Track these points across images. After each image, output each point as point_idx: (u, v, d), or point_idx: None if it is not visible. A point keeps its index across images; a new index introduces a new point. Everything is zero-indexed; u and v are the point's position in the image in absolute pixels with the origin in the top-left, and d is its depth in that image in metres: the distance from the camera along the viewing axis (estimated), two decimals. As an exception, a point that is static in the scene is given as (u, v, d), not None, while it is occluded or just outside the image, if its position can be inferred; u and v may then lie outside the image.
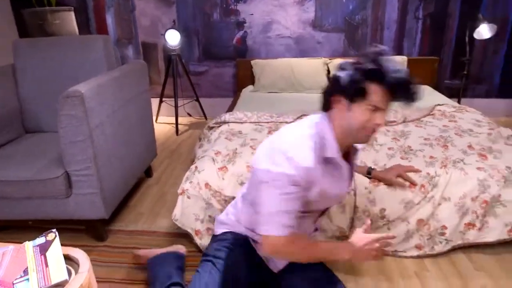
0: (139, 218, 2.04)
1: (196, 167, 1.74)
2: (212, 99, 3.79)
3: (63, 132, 1.58)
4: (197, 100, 3.65)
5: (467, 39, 3.16)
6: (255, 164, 1.10)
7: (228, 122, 2.26)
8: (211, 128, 2.33)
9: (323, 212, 1.31)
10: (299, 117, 2.29)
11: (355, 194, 1.55)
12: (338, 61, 3.28)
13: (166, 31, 3.25)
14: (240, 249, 1.25)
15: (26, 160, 1.76)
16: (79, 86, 1.56)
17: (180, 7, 3.50)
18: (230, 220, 1.32)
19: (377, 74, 0.96)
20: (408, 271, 1.58)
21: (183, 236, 1.78)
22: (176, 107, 3.41)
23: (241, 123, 2.25)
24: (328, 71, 3.30)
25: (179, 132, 3.42)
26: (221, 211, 1.63)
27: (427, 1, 3.26)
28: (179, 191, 1.68)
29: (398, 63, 0.98)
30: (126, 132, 1.96)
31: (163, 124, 3.69)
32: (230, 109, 2.91)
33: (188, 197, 1.63)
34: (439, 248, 1.58)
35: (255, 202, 1.11)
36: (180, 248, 1.59)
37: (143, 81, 2.22)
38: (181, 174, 2.54)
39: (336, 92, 1.03)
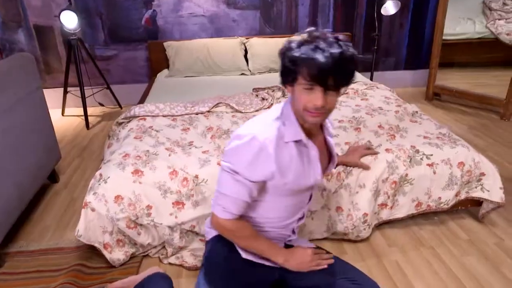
0: (44, 234, 1.81)
1: (100, 174, 1.56)
2: (125, 86, 3.49)
3: None
4: (108, 87, 3.34)
5: (375, 15, 3.27)
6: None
7: (138, 117, 2.07)
8: (120, 124, 2.12)
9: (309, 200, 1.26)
10: (216, 105, 2.18)
11: None
12: (255, 40, 3.22)
13: (60, 12, 2.85)
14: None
15: None
16: None
17: (76, -16, 3.10)
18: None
19: (302, 59, 0.94)
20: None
21: (95, 249, 1.61)
22: (83, 97, 3.08)
23: (153, 116, 2.08)
24: (246, 51, 3.20)
25: (90, 126, 3.11)
26: (131, 222, 1.49)
27: (338, -24, 3.29)
28: (84, 202, 1.50)
29: (329, 43, 0.94)
30: (14, 140, 1.69)
31: (71, 117, 3.33)
32: (143, 98, 2.70)
33: (93, 210, 1.46)
34: (363, 234, 1.64)
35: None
36: (157, 268, 1.42)
37: (32, 77, 1.92)
38: (92, 175, 2.31)
39: (281, 74, 1.03)
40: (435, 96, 3.48)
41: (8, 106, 1.66)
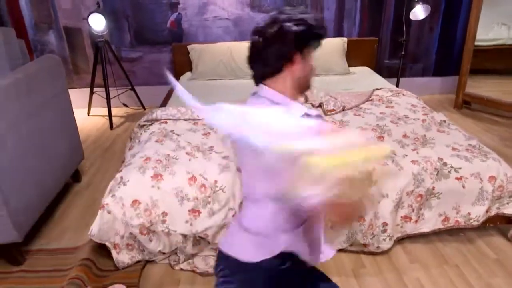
0: (64, 233, 1.85)
1: (121, 177, 1.57)
2: (149, 87, 3.53)
3: (-49, 151, 1.34)
4: (133, 89, 3.39)
5: (404, 19, 3.17)
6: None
7: (159, 120, 2.08)
8: (142, 126, 2.14)
9: None
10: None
11: None
12: (279, 44, 3.18)
13: (89, 15, 2.92)
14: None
15: None
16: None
17: (104, -13, 3.16)
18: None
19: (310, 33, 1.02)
20: (345, 268, 1.56)
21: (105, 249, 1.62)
22: (108, 98, 3.14)
23: (175, 120, 2.08)
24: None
25: (114, 126, 3.17)
26: (145, 228, 1.49)
27: (366, -20, 3.21)
28: (101, 203, 1.52)
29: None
30: (39, 141, 1.73)
31: (96, 117, 3.40)
32: (165, 101, 2.72)
33: (109, 212, 1.48)
34: (383, 246, 1.58)
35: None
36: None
37: (58, 79, 1.96)
38: (114, 176, 2.35)
39: (294, 49, 1.03)
40: (465, 105, 3.34)
41: (35, 108, 1.70)
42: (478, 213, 1.60)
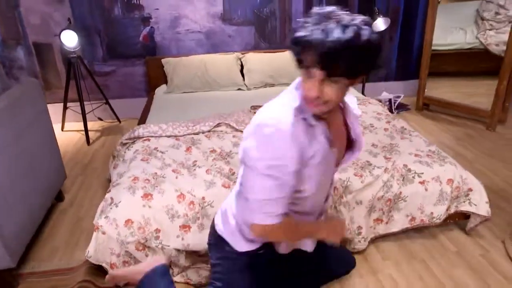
0: (54, 254, 1.88)
1: (111, 198, 1.64)
2: (124, 100, 3.56)
3: None
4: (107, 102, 3.40)
5: (366, 29, 3.38)
6: (242, 144, 1.01)
7: (142, 138, 2.15)
8: (124, 144, 2.20)
9: (326, 198, 1.25)
10: (217, 125, 2.27)
11: None
12: (251, 55, 3.31)
13: (61, 32, 2.91)
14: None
15: None
16: (-43, 131, 1.35)
17: (74, 3, 3.16)
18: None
19: (303, 41, 0.85)
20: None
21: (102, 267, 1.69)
22: (83, 113, 3.14)
23: (157, 137, 2.16)
24: (242, 66, 3.29)
25: (91, 141, 3.17)
26: (140, 244, 1.57)
27: (329, -7, 3.40)
28: (95, 224, 1.58)
29: (343, 25, 0.82)
30: (26, 164, 1.76)
31: (71, 132, 3.38)
32: (143, 115, 2.78)
33: (103, 233, 1.54)
34: (359, 247, 1.74)
35: (243, 186, 1.03)
36: (160, 259, 1.49)
37: (39, 101, 1.99)
38: (98, 193, 2.39)
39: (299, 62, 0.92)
40: (425, 106, 3.61)
41: (19, 132, 1.73)
42: (439, 212, 1.80)
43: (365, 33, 0.82)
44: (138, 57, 3.42)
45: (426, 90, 3.57)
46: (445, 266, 1.71)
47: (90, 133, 3.27)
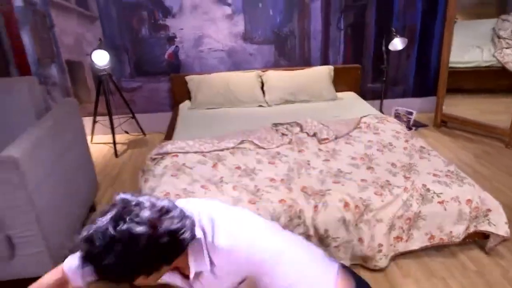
0: (89, 263, 2.00)
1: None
2: (148, 115, 3.71)
3: (-2, 198, 1.50)
4: (133, 117, 3.56)
5: (384, 48, 3.47)
6: None
7: (170, 153, 2.27)
8: (153, 159, 2.32)
9: None
10: (241, 142, 2.38)
11: None
12: (271, 72, 3.43)
13: (92, 51, 3.10)
14: None
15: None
16: (12, 149, 1.48)
17: (105, 23, 3.35)
18: None
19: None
20: (349, 285, 1.78)
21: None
22: (112, 128, 3.30)
23: (184, 153, 2.27)
24: (262, 84, 3.41)
25: (118, 154, 3.32)
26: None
27: (347, 13, 3.50)
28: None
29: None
30: (68, 180, 1.90)
31: (99, 144, 3.54)
32: (169, 130, 2.91)
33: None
34: (380, 264, 1.81)
35: None
36: None
37: (77, 121, 2.14)
38: (126, 206, 2.51)
39: None
40: (443, 123, 3.65)
41: (62, 150, 1.87)
42: (458, 231, 1.85)
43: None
44: (163, 74, 3.57)
45: (444, 107, 3.61)
46: (466, 285, 1.75)
47: (117, 146, 3.42)
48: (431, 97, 3.88)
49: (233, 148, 2.34)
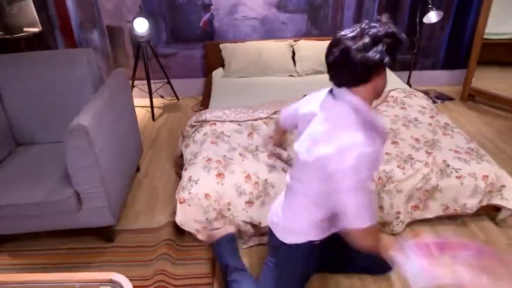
0: (138, 216, 2.30)
1: (190, 177, 2.00)
2: (182, 80, 3.90)
3: (70, 160, 1.76)
4: (169, 82, 3.76)
5: (417, 20, 3.46)
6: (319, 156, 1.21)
7: (209, 121, 2.48)
8: (192, 126, 2.54)
9: None
10: (274, 113, 2.55)
11: None
12: (302, 42, 3.51)
13: (133, 19, 3.25)
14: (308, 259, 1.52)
15: (31, 180, 1.92)
16: (81, 118, 1.72)
17: (144, -10, 3.46)
18: (297, 227, 1.45)
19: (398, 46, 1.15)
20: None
21: (180, 229, 2.07)
22: (150, 92, 3.52)
23: (222, 121, 2.48)
24: (293, 53, 3.50)
25: (155, 117, 3.57)
26: (217, 213, 1.93)
27: (383, -17, 3.48)
28: (178, 199, 1.94)
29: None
30: (121, 144, 2.15)
31: (137, 108, 3.74)
32: (205, 97, 3.10)
33: (189, 205, 1.92)
34: (396, 229, 2.02)
35: (331, 198, 1.22)
36: (230, 229, 1.85)
37: (127, 90, 2.35)
38: (167, 166, 2.78)
39: (381, 66, 1.15)
40: (470, 97, 3.68)
41: (117, 115, 2.11)
42: (472, 203, 2.02)
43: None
44: (197, 41, 3.71)
45: (473, 79, 3.62)
46: (473, 251, 1.95)
47: (154, 110, 3.66)
48: (462, 69, 3.88)
49: (266, 118, 2.52)
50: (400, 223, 2.01)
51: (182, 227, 1.93)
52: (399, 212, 2.00)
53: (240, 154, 2.13)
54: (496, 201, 2.05)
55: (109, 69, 3.81)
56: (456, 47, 3.85)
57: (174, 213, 2.00)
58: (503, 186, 2.02)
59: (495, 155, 2.72)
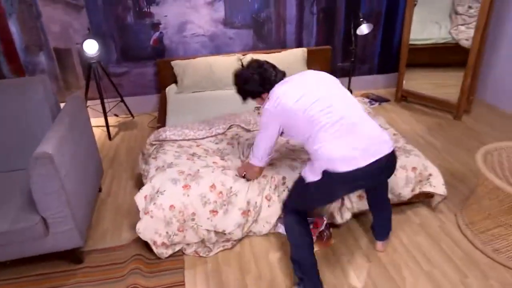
0: (105, 235, 2.36)
1: (158, 189, 2.11)
2: (136, 97, 3.96)
3: (35, 187, 1.81)
4: (122, 100, 3.81)
5: (352, 32, 3.83)
6: None
7: (168, 140, 2.60)
8: (152, 145, 2.65)
9: None
10: (230, 127, 2.73)
11: None
12: (250, 56, 3.73)
13: (83, 41, 3.28)
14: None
15: (-6, 209, 1.94)
16: (45, 147, 1.79)
17: (91, 12, 3.50)
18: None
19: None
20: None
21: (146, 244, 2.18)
22: (104, 112, 3.54)
23: (181, 140, 2.61)
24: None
25: (111, 136, 3.60)
26: (178, 228, 2.07)
27: (319, -2, 3.81)
28: (142, 210, 2.06)
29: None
30: (84, 166, 2.22)
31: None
32: (161, 114, 3.21)
33: (152, 217, 2.04)
34: (343, 219, 2.27)
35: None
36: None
37: (84, 113, 2.42)
38: (129, 184, 2.85)
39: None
40: (403, 98, 4.11)
41: (77, 140, 2.17)
42: (406, 192, 2.33)
43: None
44: (148, 59, 3.80)
45: (404, 81, 4.05)
46: (410, 233, 2.26)
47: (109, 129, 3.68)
48: (394, 73, 4.32)
49: (223, 133, 2.70)
50: (346, 210, 2.26)
51: (141, 236, 2.05)
52: (343, 204, 2.25)
53: (207, 166, 2.28)
54: (426, 188, 2.37)
55: (59, 91, 3.78)
56: (388, 53, 4.29)
57: (140, 228, 2.11)
58: (430, 174, 2.36)
59: (426, 149, 3.11)
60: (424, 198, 2.48)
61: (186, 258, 2.16)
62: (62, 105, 2.34)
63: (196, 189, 2.11)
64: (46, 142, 1.83)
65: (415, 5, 3.86)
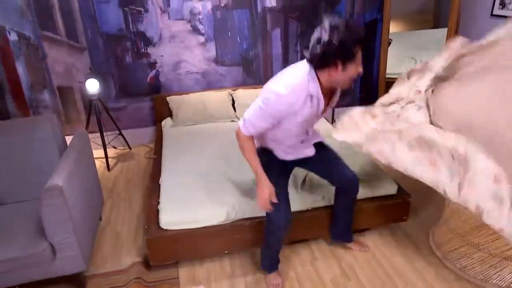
0: (106, 261, 2.54)
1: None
2: (133, 130, 4.20)
3: (46, 216, 2.01)
4: (120, 133, 4.05)
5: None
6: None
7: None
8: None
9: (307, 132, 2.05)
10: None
11: None
12: (240, 91, 4.04)
13: (85, 80, 3.56)
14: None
15: (3, 238, 2.11)
16: (56, 179, 2.01)
17: (93, 53, 3.80)
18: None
19: (360, 40, 1.53)
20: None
21: (147, 267, 2.36)
22: (104, 145, 3.77)
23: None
24: (233, 101, 4.01)
25: (110, 167, 3.81)
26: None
27: (303, 38, 4.16)
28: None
29: (355, 25, 1.53)
30: (88, 196, 2.43)
31: (90, 159, 4.00)
32: (157, 146, 3.44)
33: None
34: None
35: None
36: None
37: (89, 148, 2.65)
38: (127, 213, 3.05)
39: (336, 58, 1.57)
40: (383, 127, 4.41)
41: (83, 173, 2.40)
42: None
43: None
44: (145, 94, 4.08)
45: (384, 113, 4.36)
46: (388, 255, 2.47)
47: (108, 160, 3.90)
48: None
49: (214, 162, 2.93)
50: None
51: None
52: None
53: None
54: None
55: (61, 125, 4.01)
56: (368, 86, 4.63)
57: (139, 254, 2.30)
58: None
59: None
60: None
61: (181, 279, 2.34)
62: (65, 137, 2.58)
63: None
64: (56, 175, 2.05)
65: (389, 43, 4.24)
